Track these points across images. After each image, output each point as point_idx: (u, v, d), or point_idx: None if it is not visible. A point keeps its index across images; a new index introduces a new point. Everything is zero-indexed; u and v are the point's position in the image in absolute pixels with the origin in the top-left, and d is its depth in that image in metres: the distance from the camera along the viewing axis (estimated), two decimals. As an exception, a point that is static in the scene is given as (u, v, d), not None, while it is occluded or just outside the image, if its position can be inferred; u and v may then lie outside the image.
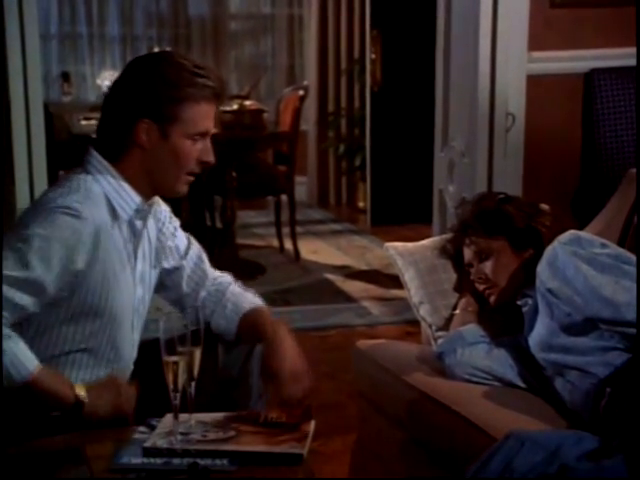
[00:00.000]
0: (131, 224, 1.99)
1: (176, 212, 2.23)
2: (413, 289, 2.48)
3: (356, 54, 6.69)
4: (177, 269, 2.13)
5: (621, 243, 2.53)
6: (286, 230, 5.45)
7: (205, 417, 1.84)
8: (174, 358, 1.75)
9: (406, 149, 6.08)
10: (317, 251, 5.68)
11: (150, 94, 1.91)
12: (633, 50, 3.71)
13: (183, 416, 1.77)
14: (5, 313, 1.83)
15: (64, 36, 7.09)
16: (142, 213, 2.00)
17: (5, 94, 3.24)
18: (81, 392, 1.87)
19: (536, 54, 3.66)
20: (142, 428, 1.82)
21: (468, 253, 2.33)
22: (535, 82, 3.68)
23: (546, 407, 2.10)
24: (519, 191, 3.61)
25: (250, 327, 2.05)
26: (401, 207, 6.13)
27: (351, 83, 6.79)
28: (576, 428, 1.94)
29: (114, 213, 1.95)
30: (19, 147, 3.29)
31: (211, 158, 1.97)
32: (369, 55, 6.17)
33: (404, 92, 6.06)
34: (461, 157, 3.73)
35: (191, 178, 1.98)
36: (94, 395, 1.87)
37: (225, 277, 2.16)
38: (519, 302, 2.21)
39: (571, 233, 2.18)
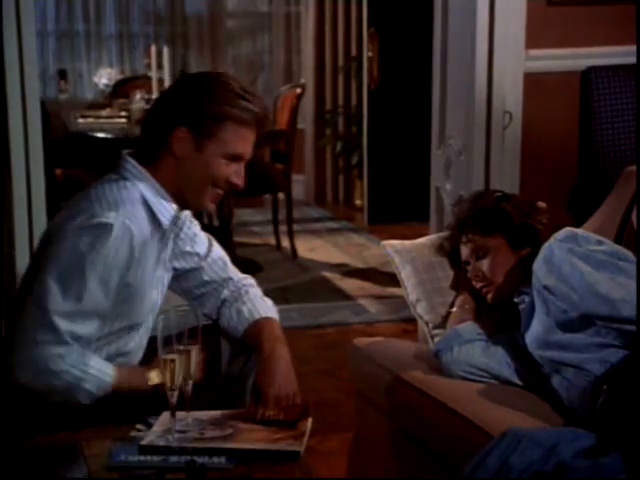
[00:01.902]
0: (164, 231, 2.00)
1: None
2: (410, 287, 2.48)
3: (353, 52, 6.70)
4: (197, 269, 2.14)
5: (618, 240, 2.53)
6: (283, 228, 5.45)
7: (202, 415, 1.85)
8: (171, 356, 1.76)
9: (403, 147, 6.08)
10: (314, 249, 5.68)
11: (192, 105, 1.93)
12: (631, 48, 3.71)
13: (180, 414, 1.78)
14: (72, 344, 1.87)
15: (61, 33, 7.09)
16: (177, 220, 2.02)
17: (2, 91, 3.23)
18: (154, 378, 1.91)
19: (533, 52, 3.66)
20: (139, 426, 1.82)
21: (465, 251, 2.33)
22: (532, 80, 3.67)
23: (543, 404, 2.10)
24: (516, 189, 3.61)
25: (253, 337, 2.06)
26: (398, 205, 6.14)
27: (348, 81, 6.79)
28: (573, 425, 1.94)
29: (154, 220, 1.97)
30: (16, 145, 3.29)
31: (240, 182, 1.98)
32: (366, 53, 6.17)
33: (401, 90, 6.06)
34: (458, 155, 3.73)
35: (218, 196, 2.00)
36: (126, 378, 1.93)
37: (248, 279, 2.19)
38: (516, 299, 2.21)
39: (567, 230, 2.18)
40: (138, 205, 1.94)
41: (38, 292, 1.88)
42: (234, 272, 2.18)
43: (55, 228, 1.95)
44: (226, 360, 2.10)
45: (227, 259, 2.19)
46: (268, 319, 2.10)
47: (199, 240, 2.15)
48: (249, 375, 2.03)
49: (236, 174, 1.97)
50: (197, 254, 2.13)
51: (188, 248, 2.12)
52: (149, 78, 5.54)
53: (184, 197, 1.99)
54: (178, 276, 2.12)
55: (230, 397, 2.03)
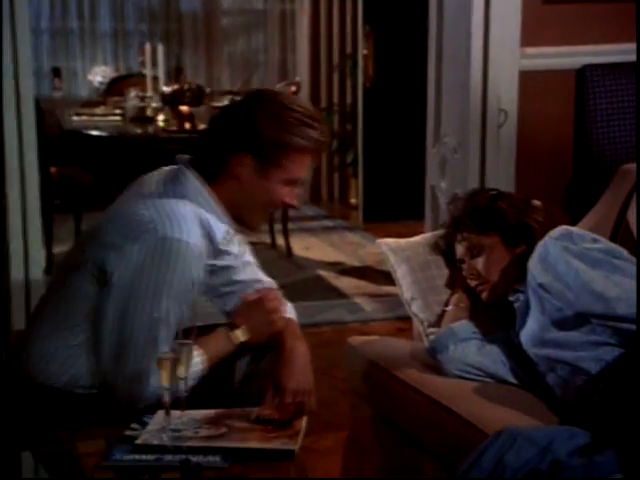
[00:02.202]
0: (216, 248, 2.04)
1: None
2: (405, 285, 2.48)
3: (348, 50, 6.69)
4: (229, 268, 2.15)
5: (613, 239, 2.54)
6: (278, 226, 5.45)
7: (197, 414, 1.85)
8: (167, 355, 1.76)
9: (398, 145, 6.08)
10: (309, 247, 5.68)
11: (259, 133, 1.96)
12: (626, 46, 3.72)
13: (175, 413, 1.77)
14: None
15: (55, 31, 7.08)
16: (228, 238, 2.06)
17: (-4, 89, 3.23)
18: (240, 336, 2.02)
19: (528, 50, 3.66)
20: (134, 425, 1.82)
21: (460, 249, 2.33)
22: (528, 78, 3.68)
23: (538, 403, 2.10)
24: (511, 187, 3.61)
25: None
26: (393, 203, 6.14)
27: (343, 79, 6.79)
28: (568, 424, 1.94)
29: (210, 237, 2.00)
30: (10, 143, 3.28)
31: (296, 203, 2.04)
32: (361, 51, 6.17)
33: (396, 88, 6.06)
34: (453, 153, 3.73)
35: (272, 215, 2.03)
36: (248, 328, 2.02)
37: (272, 283, 2.24)
38: (511, 298, 2.21)
39: (562, 228, 2.19)
40: (197, 223, 1.96)
41: (152, 329, 1.89)
42: (262, 274, 2.23)
43: (113, 245, 1.93)
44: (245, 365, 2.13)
45: (255, 261, 2.23)
46: (289, 319, 2.15)
47: (234, 240, 2.17)
48: (258, 375, 2.07)
49: (293, 196, 2.03)
50: (232, 253, 2.15)
51: (224, 247, 2.13)
52: (144, 76, 5.53)
53: (241, 216, 2.04)
54: (210, 272, 2.13)
55: (240, 396, 2.06)
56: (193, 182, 2.00)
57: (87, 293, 1.96)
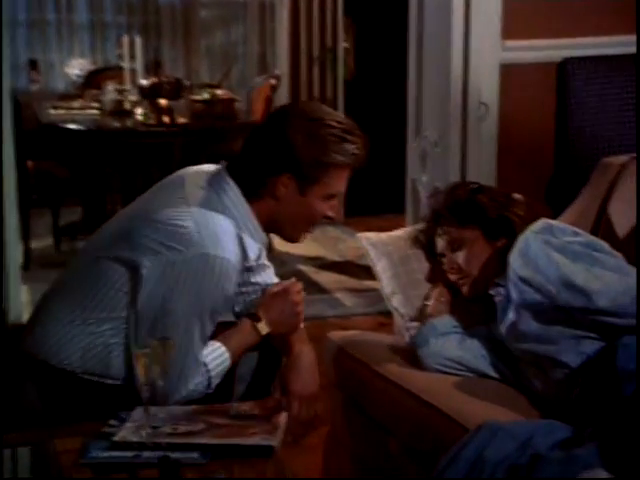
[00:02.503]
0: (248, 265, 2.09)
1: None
2: (385, 280, 2.49)
3: (329, 42, 6.67)
4: (246, 269, 2.15)
5: (594, 232, 2.55)
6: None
7: (176, 410, 1.85)
8: (145, 350, 1.75)
9: (379, 139, 6.04)
10: (290, 242, 5.67)
11: (299, 155, 1.97)
12: (607, 39, 3.74)
13: (153, 409, 1.77)
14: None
15: (32, 23, 7.02)
16: (259, 256, 2.12)
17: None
18: (265, 328, 2.06)
19: (509, 43, 3.67)
20: (112, 421, 1.82)
21: (441, 243, 2.34)
22: (508, 71, 3.69)
23: (519, 397, 2.11)
24: (492, 181, 3.62)
25: (282, 337, 2.14)
26: (374, 197, 6.14)
27: (324, 72, 6.77)
28: (549, 418, 1.96)
29: (244, 254, 2.03)
30: (-14, 137, 3.26)
31: (335, 214, 2.08)
32: (342, 44, 6.17)
33: (377, 81, 6.06)
34: (434, 147, 3.74)
35: (311, 228, 2.10)
36: (273, 320, 2.07)
37: None
38: (491, 292, 2.22)
39: (543, 222, 2.20)
40: (236, 240, 1.99)
41: (181, 337, 1.92)
42: (276, 278, 2.25)
43: (152, 251, 1.94)
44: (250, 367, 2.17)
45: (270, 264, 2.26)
46: None
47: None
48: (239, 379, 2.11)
49: (332, 208, 2.07)
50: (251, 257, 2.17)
51: (253, 263, 2.16)
52: (121, 69, 5.50)
53: (281, 231, 2.09)
54: None
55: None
56: (234, 197, 2.02)
57: (117, 289, 1.97)
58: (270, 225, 2.06)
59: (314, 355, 2.15)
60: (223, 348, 2.00)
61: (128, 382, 1.96)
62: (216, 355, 1.99)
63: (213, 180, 2.04)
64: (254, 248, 2.06)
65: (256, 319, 2.06)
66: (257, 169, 2.01)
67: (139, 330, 1.93)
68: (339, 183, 2.04)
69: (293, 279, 2.20)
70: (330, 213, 2.06)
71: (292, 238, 2.11)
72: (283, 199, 2.01)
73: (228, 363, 2.01)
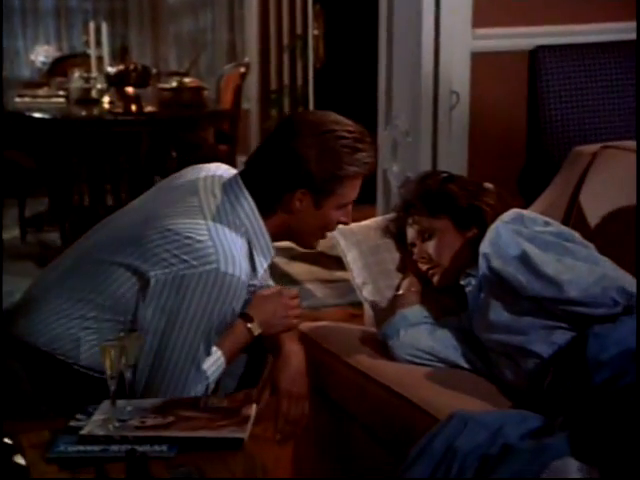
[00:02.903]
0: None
1: (116, 193, 2.24)
2: (356, 270, 2.49)
3: (298, 30, 6.67)
4: None
5: (565, 222, 2.58)
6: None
7: (143, 403, 1.84)
8: (112, 342, 1.75)
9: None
10: (260, 232, 5.66)
11: (314, 170, 1.99)
12: (579, 27, 3.76)
13: (121, 402, 1.77)
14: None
15: (-5, 10, 6.95)
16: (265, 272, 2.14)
17: None
18: (257, 328, 2.07)
19: (480, 31, 3.68)
20: (79, 415, 1.81)
21: (411, 233, 2.35)
22: (480, 59, 3.70)
23: (490, 387, 2.13)
24: (464, 170, 3.64)
25: (272, 336, 2.16)
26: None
27: (293, 60, 6.76)
28: (520, 408, 1.97)
29: (253, 269, 2.04)
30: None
31: (349, 220, 2.13)
32: (312, 31, 6.16)
33: (347, 69, 6.06)
34: (405, 136, 3.75)
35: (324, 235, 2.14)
36: (265, 320, 2.08)
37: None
38: (462, 282, 2.23)
39: (514, 211, 2.21)
40: (247, 258, 2.01)
41: (186, 352, 1.95)
42: (271, 281, 2.29)
43: (164, 262, 1.94)
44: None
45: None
46: None
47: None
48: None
49: (346, 214, 2.11)
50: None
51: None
52: (88, 56, 5.47)
53: (295, 241, 2.13)
54: None
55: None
56: (249, 210, 2.03)
57: (123, 294, 1.98)
58: (284, 235, 2.10)
59: (304, 354, 2.18)
60: (219, 352, 2.02)
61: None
62: (213, 361, 2.01)
63: (229, 189, 2.05)
64: (263, 265, 2.08)
65: (248, 319, 2.07)
66: (271, 184, 2.03)
67: (144, 347, 1.94)
68: (353, 192, 2.08)
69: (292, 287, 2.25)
70: (344, 219, 2.11)
71: (307, 246, 2.16)
72: (298, 213, 2.04)
73: (224, 367, 2.03)
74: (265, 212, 2.04)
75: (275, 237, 2.07)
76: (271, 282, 2.29)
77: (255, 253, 2.04)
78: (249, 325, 2.07)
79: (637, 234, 2.28)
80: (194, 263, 1.92)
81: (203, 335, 1.95)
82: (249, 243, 2.02)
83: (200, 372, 1.97)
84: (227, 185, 2.06)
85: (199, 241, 1.93)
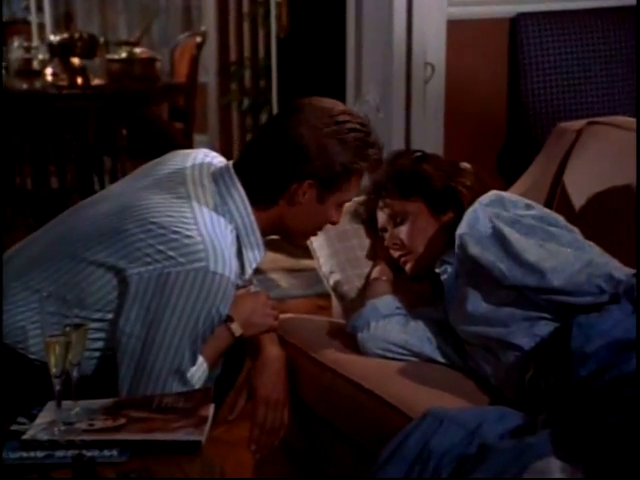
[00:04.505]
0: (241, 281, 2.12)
1: (61, 174, 2.24)
2: (323, 258, 2.50)
3: (260, -5, 6.65)
4: None
5: (549, 204, 2.60)
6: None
7: (92, 404, 1.84)
8: (56, 338, 1.75)
9: (317, 103, 6.08)
10: (220, 217, 5.65)
11: (328, 161, 2.01)
12: (564, -7, 3.78)
13: (67, 403, 1.77)
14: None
15: None
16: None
17: None
18: (238, 329, 2.08)
19: (457, -3, 3.70)
20: (21, 419, 1.81)
21: (382, 217, 2.36)
22: (456, 28, 3.71)
23: (467, 383, 2.15)
24: (440, 149, 3.66)
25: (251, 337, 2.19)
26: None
27: (255, 29, 6.74)
28: (499, 404, 1.99)
29: (242, 269, 2.06)
30: None
31: (339, 220, 2.16)
32: (274, -3, 6.14)
33: (313, 39, 6.04)
34: (376, 112, 3.76)
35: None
36: (244, 319, 2.10)
37: (257, 285, 2.35)
38: (438, 270, 2.25)
39: (493, 193, 2.22)
40: (236, 257, 2.01)
41: (176, 360, 1.96)
42: (254, 279, 2.31)
43: (148, 259, 1.93)
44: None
45: None
46: None
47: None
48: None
49: (339, 214, 2.15)
50: None
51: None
52: (28, 23, 5.43)
53: (285, 236, 2.15)
54: None
55: None
56: (240, 202, 2.04)
57: (101, 296, 1.98)
58: (274, 230, 2.11)
59: (284, 358, 2.21)
60: (201, 358, 2.02)
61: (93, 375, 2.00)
62: (197, 369, 2.02)
63: (219, 179, 2.05)
64: (252, 264, 2.09)
65: (229, 319, 2.07)
66: (277, 173, 2.03)
67: (126, 352, 1.95)
68: (355, 190, 2.12)
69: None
70: (336, 219, 2.14)
71: (298, 243, 2.22)
72: (299, 206, 2.05)
73: (207, 373, 2.04)
74: (263, 203, 2.05)
75: (264, 232, 2.08)
76: (255, 281, 2.32)
77: (244, 251, 2.05)
78: (230, 326, 2.07)
79: (637, 222, 2.30)
80: (181, 260, 1.91)
81: (189, 341, 1.95)
82: (238, 240, 2.03)
83: (185, 382, 1.98)
84: (217, 175, 2.06)
85: (187, 236, 1.92)
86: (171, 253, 1.91)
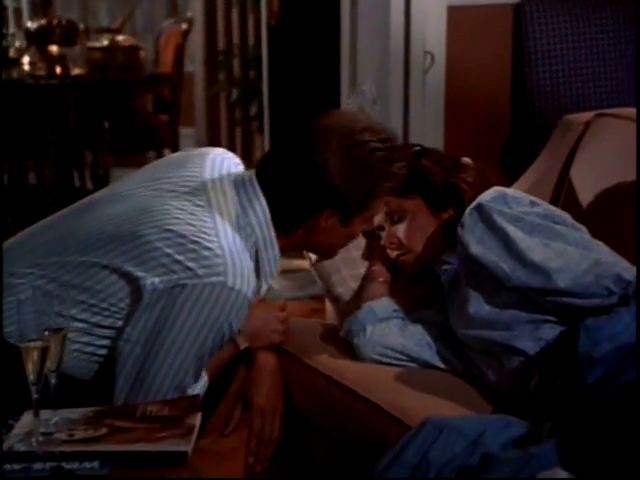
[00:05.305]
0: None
1: (39, 169, 2.23)
2: (315, 258, 2.51)
3: (250, -20, 6.66)
4: None
5: (554, 201, 2.61)
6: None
7: (72, 413, 1.84)
8: (37, 344, 1.74)
9: (309, 95, 6.08)
10: (207, 215, 5.65)
11: (346, 189, 2.02)
12: (570, -24, 3.78)
13: (45, 413, 1.77)
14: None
15: None
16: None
17: None
18: (242, 343, 2.13)
19: (458, -19, 3.70)
20: (-5, 429, 1.81)
21: (379, 214, 2.36)
22: (457, 14, 3.71)
23: (469, 389, 2.16)
24: (440, 143, 3.66)
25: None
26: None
27: (244, 15, 6.74)
28: (503, 412, 2.00)
29: (258, 286, 2.06)
30: None
31: (371, 227, 2.26)
32: (265, -19, 6.15)
33: (306, 26, 6.05)
34: (372, 104, 3.76)
35: None
36: (253, 329, 2.13)
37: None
38: (437, 270, 2.26)
39: (496, 190, 2.23)
40: (254, 275, 2.01)
41: (178, 376, 1.97)
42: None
43: (164, 269, 1.94)
44: None
45: None
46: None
47: None
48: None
49: (371, 224, 2.23)
50: None
51: None
52: (4, 8, 5.42)
53: (313, 252, 2.28)
54: None
55: None
56: (262, 217, 2.05)
57: (112, 295, 1.99)
58: (296, 248, 2.16)
59: (278, 365, 2.23)
60: (202, 372, 2.03)
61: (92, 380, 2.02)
62: (200, 384, 2.03)
63: (241, 190, 2.06)
64: (269, 279, 2.10)
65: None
66: (294, 205, 2.05)
67: (127, 362, 1.96)
68: (380, 206, 2.16)
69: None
70: (369, 228, 2.22)
71: (327, 257, 2.27)
72: (321, 232, 2.07)
73: (206, 386, 2.05)
74: (281, 229, 2.06)
75: (283, 249, 2.10)
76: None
77: (261, 265, 2.06)
78: (236, 338, 2.09)
79: (637, 217, 2.31)
80: (198, 272, 1.91)
81: (195, 357, 1.96)
82: (257, 254, 2.04)
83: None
84: (239, 183, 2.07)
85: (207, 248, 1.93)
86: (189, 264, 1.92)
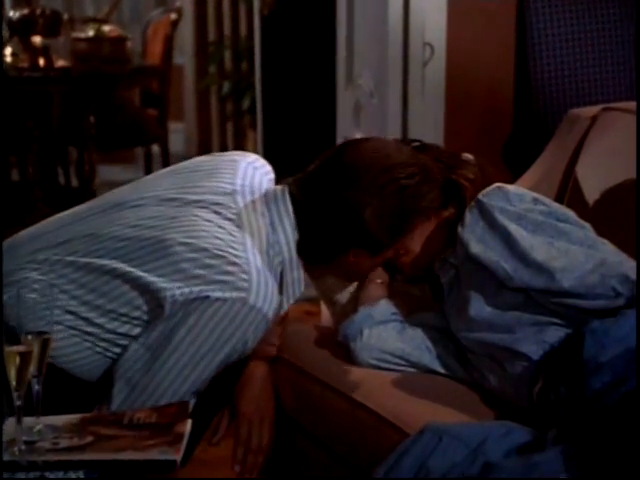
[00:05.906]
0: None
1: (22, 166, 2.23)
2: (310, 258, 2.51)
3: (242, -32, 6.66)
4: None
5: (559, 198, 2.61)
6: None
7: (56, 420, 1.84)
8: (19, 348, 1.75)
9: (304, 88, 6.09)
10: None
11: (374, 229, 2.07)
12: (575, -36, 3.78)
13: (29, 420, 1.77)
14: None
15: None
16: None
17: None
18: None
19: (458, -30, 3.70)
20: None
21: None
22: (458, 4, 3.72)
23: (470, 395, 2.16)
24: (440, 138, 3.66)
25: None
26: (298, 158, 6.13)
27: (235, 5, 6.75)
28: (505, 419, 2.00)
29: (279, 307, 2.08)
30: None
31: None
32: (257, -30, 6.15)
33: (300, 17, 6.06)
34: (369, 97, 3.77)
35: None
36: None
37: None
38: (437, 271, 2.26)
39: (497, 187, 2.23)
40: (277, 292, 2.03)
41: (181, 390, 1.98)
42: None
43: (186, 278, 1.95)
44: None
45: None
46: None
47: None
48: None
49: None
50: None
51: None
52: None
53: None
54: None
55: None
56: (292, 237, 2.08)
57: (130, 302, 2.00)
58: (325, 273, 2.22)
59: (269, 371, 2.23)
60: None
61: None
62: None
63: (272, 205, 2.09)
64: (291, 300, 2.12)
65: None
66: (319, 244, 2.10)
67: (131, 366, 1.97)
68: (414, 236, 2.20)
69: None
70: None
71: (352, 282, 2.33)
72: (348, 264, 2.13)
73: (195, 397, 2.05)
74: (307, 262, 2.11)
75: (307, 271, 2.14)
76: None
77: (285, 286, 2.08)
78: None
79: (637, 222, 2.31)
80: (222, 286, 1.93)
81: (202, 373, 1.97)
82: (281, 274, 2.06)
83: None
84: (271, 199, 2.10)
85: (233, 263, 1.95)
86: (213, 277, 1.94)
